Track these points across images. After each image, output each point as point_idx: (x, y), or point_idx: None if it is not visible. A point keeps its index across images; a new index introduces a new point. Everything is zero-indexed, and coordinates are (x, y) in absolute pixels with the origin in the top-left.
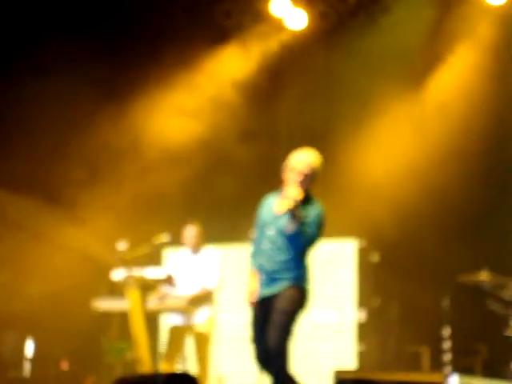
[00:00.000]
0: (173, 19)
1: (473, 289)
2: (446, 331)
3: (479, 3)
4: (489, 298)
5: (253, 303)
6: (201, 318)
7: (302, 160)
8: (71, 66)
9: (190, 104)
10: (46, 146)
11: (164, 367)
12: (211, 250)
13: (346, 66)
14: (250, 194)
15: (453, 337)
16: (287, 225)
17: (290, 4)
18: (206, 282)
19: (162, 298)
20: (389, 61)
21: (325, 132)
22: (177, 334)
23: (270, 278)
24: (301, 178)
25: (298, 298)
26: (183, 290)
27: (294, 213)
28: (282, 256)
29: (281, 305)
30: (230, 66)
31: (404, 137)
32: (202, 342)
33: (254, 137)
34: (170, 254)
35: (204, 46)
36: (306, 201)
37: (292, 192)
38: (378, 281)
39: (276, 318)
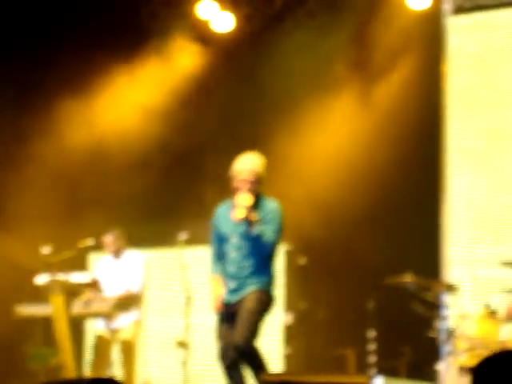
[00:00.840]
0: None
1: (398, 291)
2: (371, 333)
3: (402, 7)
4: (413, 300)
5: (219, 308)
6: (126, 322)
7: (245, 168)
8: None
9: (114, 110)
10: None
11: (91, 376)
12: (134, 253)
13: (272, 69)
14: (176, 198)
15: (378, 339)
16: (248, 230)
17: (218, 7)
18: (130, 285)
19: (87, 302)
20: (313, 64)
21: (251, 136)
22: (103, 341)
23: (239, 284)
24: (247, 185)
25: (264, 301)
26: (108, 294)
27: (250, 219)
28: (250, 261)
29: (248, 305)
30: (154, 71)
31: (331, 139)
32: (128, 347)
33: (178, 141)
34: (95, 259)
35: (126, 50)
36: (259, 203)
37: (242, 200)
38: (305, 284)
39: (244, 316)
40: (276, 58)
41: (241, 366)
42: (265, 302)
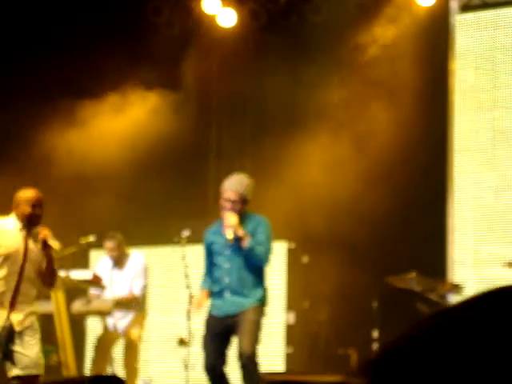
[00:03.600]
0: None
1: (402, 290)
2: (375, 333)
3: (407, 3)
4: (418, 300)
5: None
6: (128, 323)
7: (229, 188)
8: None
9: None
10: None
11: (92, 374)
12: (136, 256)
13: (276, 66)
14: (177, 196)
15: (381, 339)
16: (239, 246)
17: (220, 3)
18: (133, 287)
19: (89, 300)
20: (318, 62)
21: (255, 135)
22: (104, 340)
23: (238, 294)
24: (229, 205)
25: (261, 316)
26: (110, 293)
27: (239, 236)
28: (245, 273)
29: (251, 317)
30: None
31: (337, 137)
32: (130, 347)
33: (179, 138)
34: (97, 256)
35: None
36: (246, 219)
37: (229, 220)
38: (308, 282)
39: (248, 327)
40: (280, 55)
41: (227, 378)
42: (261, 317)
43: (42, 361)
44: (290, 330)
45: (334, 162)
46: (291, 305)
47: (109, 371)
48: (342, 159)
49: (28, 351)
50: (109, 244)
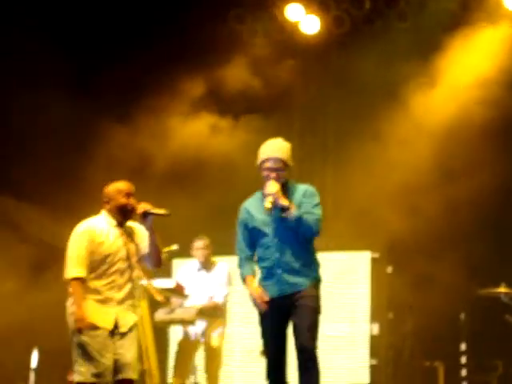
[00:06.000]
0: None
1: (490, 302)
2: (462, 346)
3: (499, 8)
4: (507, 312)
5: (265, 304)
6: (211, 332)
7: (270, 156)
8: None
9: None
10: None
11: (174, 382)
12: (221, 264)
13: (361, 72)
14: None
15: (469, 352)
16: (282, 217)
17: (303, 10)
18: (215, 296)
19: (172, 309)
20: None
21: (338, 143)
22: (186, 348)
23: (292, 272)
24: (274, 175)
25: (319, 296)
26: (193, 302)
27: (281, 205)
28: (297, 246)
29: (310, 303)
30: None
31: (420, 145)
32: (212, 356)
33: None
34: (179, 265)
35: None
36: (290, 189)
37: (269, 187)
38: (392, 293)
39: (308, 316)
40: (365, 61)
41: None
42: (320, 295)
43: (137, 365)
44: (375, 341)
45: (419, 170)
46: (375, 315)
47: (191, 380)
48: (426, 165)
49: (128, 354)
50: (198, 244)
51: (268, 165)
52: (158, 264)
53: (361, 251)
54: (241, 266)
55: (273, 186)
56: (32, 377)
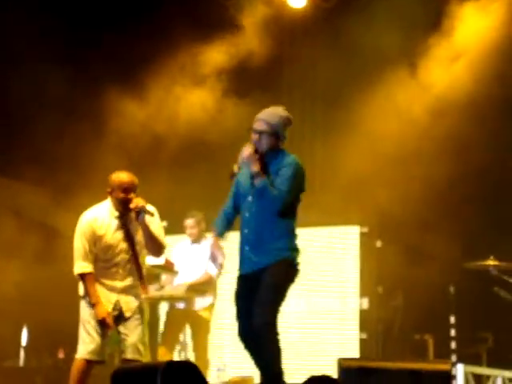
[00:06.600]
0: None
1: (479, 275)
2: (452, 318)
3: None
4: (495, 285)
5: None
6: (201, 304)
7: (258, 118)
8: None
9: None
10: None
11: (161, 352)
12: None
13: (348, 45)
14: None
15: (458, 324)
16: (252, 184)
17: None
18: (208, 267)
19: (162, 286)
20: (395, 39)
21: (326, 115)
22: (175, 317)
23: (256, 249)
24: (255, 136)
25: (286, 272)
26: (184, 278)
27: (251, 171)
28: (263, 221)
29: (269, 279)
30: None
31: (409, 118)
32: (201, 327)
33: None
34: (170, 242)
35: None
36: (274, 157)
37: (243, 151)
38: (382, 267)
39: (264, 292)
40: (352, 34)
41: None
42: (288, 275)
43: (141, 346)
44: (364, 316)
45: (408, 143)
46: (365, 290)
47: (182, 356)
48: (418, 140)
49: (132, 336)
50: (188, 222)
51: (254, 125)
52: (158, 254)
53: (350, 226)
54: (217, 217)
55: (245, 150)
56: (22, 354)
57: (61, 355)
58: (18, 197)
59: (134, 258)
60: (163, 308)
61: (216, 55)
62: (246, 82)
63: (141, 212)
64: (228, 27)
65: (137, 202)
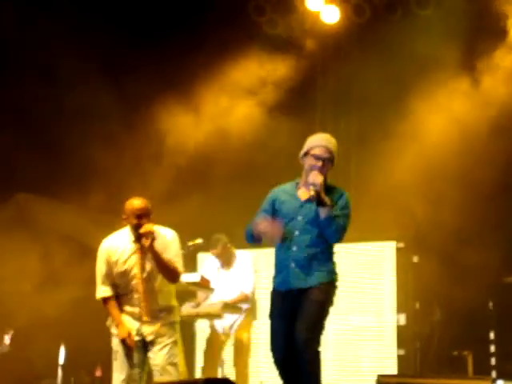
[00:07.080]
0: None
1: None
2: (491, 334)
3: None
4: None
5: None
6: (238, 324)
7: (320, 144)
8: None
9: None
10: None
11: (203, 370)
12: (243, 255)
13: (379, 63)
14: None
15: (497, 340)
16: (317, 211)
17: (323, 0)
18: (243, 287)
19: (198, 303)
20: (424, 57)
21: (360, 132)
22: (214, 344)
23: (305, 268)
24: (320, 163)
25: (332, 294)
26: (219, 296)
27: (319, 199)
28: (317, 244)
29: (317, 297)
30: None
31: (447, 135)
32: (240, 347)
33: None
34: (204, 258)
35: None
36: (328, 188)
37: (315, 178)
38: (418, 283)
39: (309, 308)
40: (386, 49)
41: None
42: (332, 296)
43: (170, 367)
44: (402, 332)
45: (446, 159)
46: (402, 306)
47: (219, 373)
48: (456, 156)
49: (157, 358)
50: (214, 251)
51: (316, 152)
52: (171, 280)
53: (386, 241)
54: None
55: (318, 177)
56: (60, 373)
57: (98, 374)
58: (61, 219)
59: (146, 282)
60: (199, 326)
61: (247, 74)
62: (281, 98)
63: (148, 237)
64: (261, 44)
65: (146, 228)
